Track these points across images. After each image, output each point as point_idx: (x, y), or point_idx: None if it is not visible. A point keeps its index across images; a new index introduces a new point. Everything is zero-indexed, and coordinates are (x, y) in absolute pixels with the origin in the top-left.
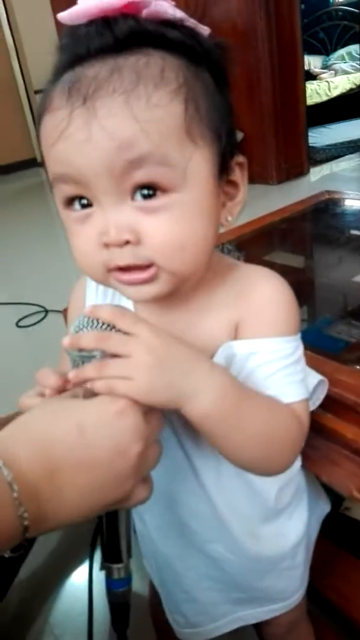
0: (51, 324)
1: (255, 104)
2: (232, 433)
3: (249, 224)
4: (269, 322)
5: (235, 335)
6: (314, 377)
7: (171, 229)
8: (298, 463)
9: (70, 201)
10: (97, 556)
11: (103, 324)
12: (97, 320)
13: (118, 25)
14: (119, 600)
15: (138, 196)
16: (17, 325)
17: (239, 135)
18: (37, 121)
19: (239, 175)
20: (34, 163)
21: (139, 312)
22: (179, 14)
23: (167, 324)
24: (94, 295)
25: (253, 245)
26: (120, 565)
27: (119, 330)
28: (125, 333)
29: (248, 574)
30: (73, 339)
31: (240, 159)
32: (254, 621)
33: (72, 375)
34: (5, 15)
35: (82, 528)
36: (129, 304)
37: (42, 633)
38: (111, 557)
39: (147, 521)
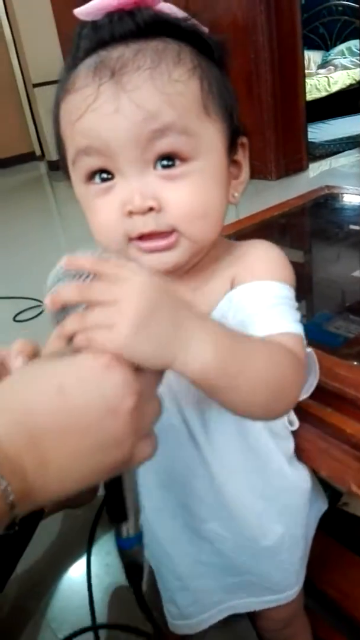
0: (49, 319)
1: (254, 98)
2: (236, 383)
3: (248, 219)
4: (262, 270)
5: (232, 286)
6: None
7: (191, 195)
8: (307, 474)
9: (91, 175)
10: (95, 550)
11: (82, 275)
12: (75, 271)
13: (140, 14)
14: (130, 559)
15: (159, 166)
16: (14, 319)
17: None
18: (55, 106)
19: (241, 155)
20: (32, 157)
21: None
22: (181, 14)
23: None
24: None
25: (252, 239)
26: (127, 523)
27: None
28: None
29: (243, 554)
30: (53, 297)
31: (244, 139)
32: (245, 610)
33: (55, 333)
34: (4, 10)
35: (80, 521)
36: None
37: (40, 627)
38: (117, 516)
39: (145, 504)
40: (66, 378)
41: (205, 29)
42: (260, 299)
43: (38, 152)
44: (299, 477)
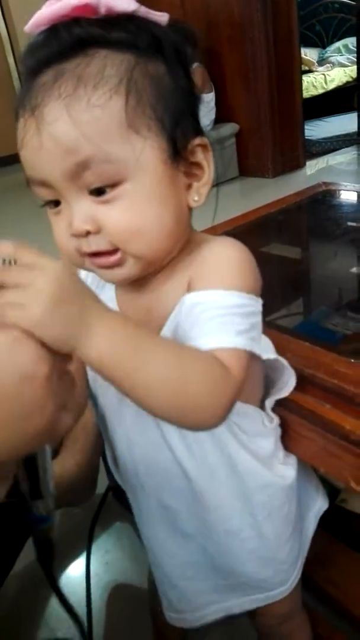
0: None
1: (251, 96)
2: (131, 376)
3: (245, 216)
4: (214, 275)
5: (188, 290)
6: (272, 354)
7: (123, 216)
8: (290, 472)
9: (44, 201)
10: (94, 548)
11: (4, 261)
12: None
13: (62, 33)
14: (42, 535)
15: (92, 192)
16: None
17: (234, 128)
18: None
19: (201, 157)
20: None
21: (119, 298)
22: (132, 6)
23: (141, 302)
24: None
25: (250, 236)
26: (40, 502)
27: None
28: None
29: (227, 555)
30: None
31: (198, 140)
32: (239, 611)
33: None
34: (0, 8)
35: (79, 519)
36: (111, 288)
37: (38, 626)
38: (34, 493)
39: (131, 504)
40: None
41: (161, 15)
42: (204, 311)
43: None
44: (278, 475)
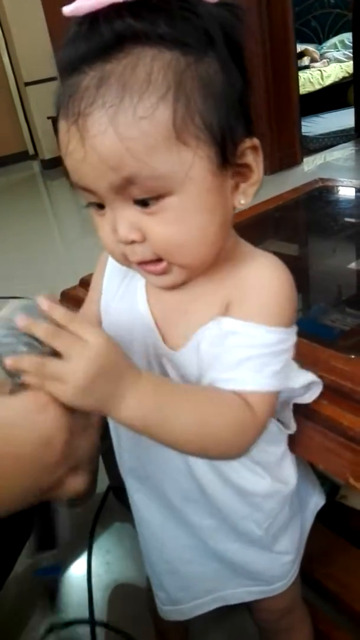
0: None
1: None
2: (158, 431)
3: (242, 213)
4: (255, 306)
5: (225, 312)
6: (305, 377)
7: (167, 230)
8: (293, 476)
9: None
10: (95, 548)
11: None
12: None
13: (103, 28)
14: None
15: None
16: None
17: None
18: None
19: (251, 159)
20: (26, 156)
21: (149, 288)
22: None
23: (173, 298)
24: (114, 264)
25: (247, 233)
26: (50, 552)
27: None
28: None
29: (225, 542)
30: (29, 322)
31: (248, 143)
32: (235, 602)
33: (9, 361)
34: None
35: (80, 519)
36: (141, 278)
37: (39, 625)
38: (45, 544)
39: (127, 485)
40: (5, 414)
41: None
42: (240, 346)
43: (31, 151)
44: (281, 482)
